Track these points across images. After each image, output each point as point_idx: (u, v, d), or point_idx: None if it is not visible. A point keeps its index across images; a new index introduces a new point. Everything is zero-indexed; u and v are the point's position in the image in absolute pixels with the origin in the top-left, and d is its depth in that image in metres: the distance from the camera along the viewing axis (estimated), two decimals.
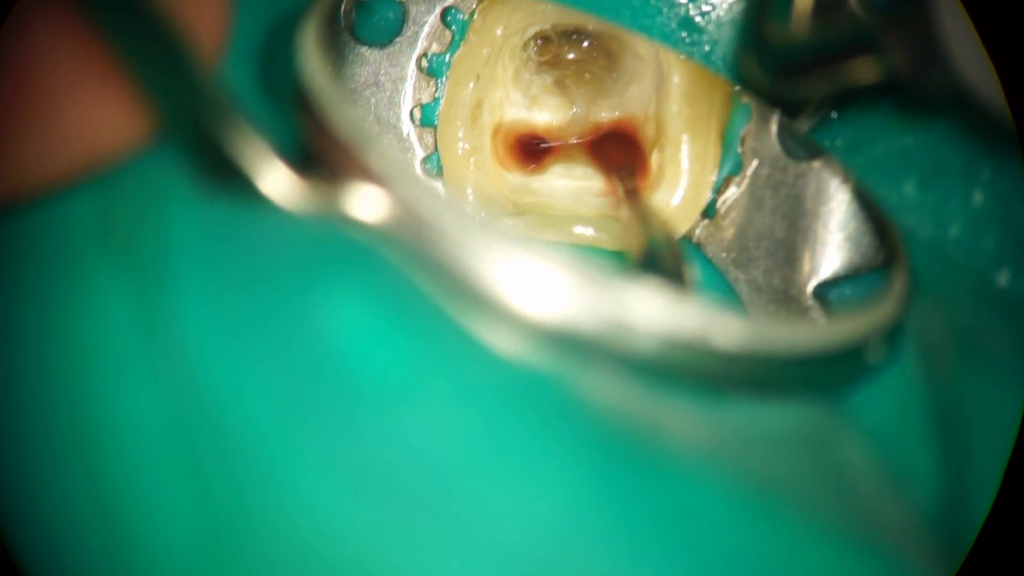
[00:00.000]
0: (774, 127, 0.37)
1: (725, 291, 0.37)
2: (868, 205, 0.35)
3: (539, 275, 0.26)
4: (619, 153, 0.38)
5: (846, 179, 0.35)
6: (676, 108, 0.38)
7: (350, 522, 0.25)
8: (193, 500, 0.25)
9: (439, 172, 0.38)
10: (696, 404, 0.27)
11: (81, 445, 0.27)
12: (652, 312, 0.26)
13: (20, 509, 0.28)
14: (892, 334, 0.29)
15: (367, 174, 0.27)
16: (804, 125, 0.36)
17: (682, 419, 0.27)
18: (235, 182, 0.27)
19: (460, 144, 0.38)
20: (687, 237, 0.38)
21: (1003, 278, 0.34)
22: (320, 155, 0.28)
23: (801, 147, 0.36)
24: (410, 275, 0.26)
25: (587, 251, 0.38)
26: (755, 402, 0.27)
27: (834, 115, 0.36)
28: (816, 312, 0.36)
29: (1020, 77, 0.30)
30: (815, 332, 0.27)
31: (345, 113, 0.28)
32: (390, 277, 0.26)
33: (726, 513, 0.26)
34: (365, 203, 0.27)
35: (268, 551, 0.25)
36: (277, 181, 0.27)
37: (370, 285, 0.26)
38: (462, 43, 0.38)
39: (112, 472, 0.26)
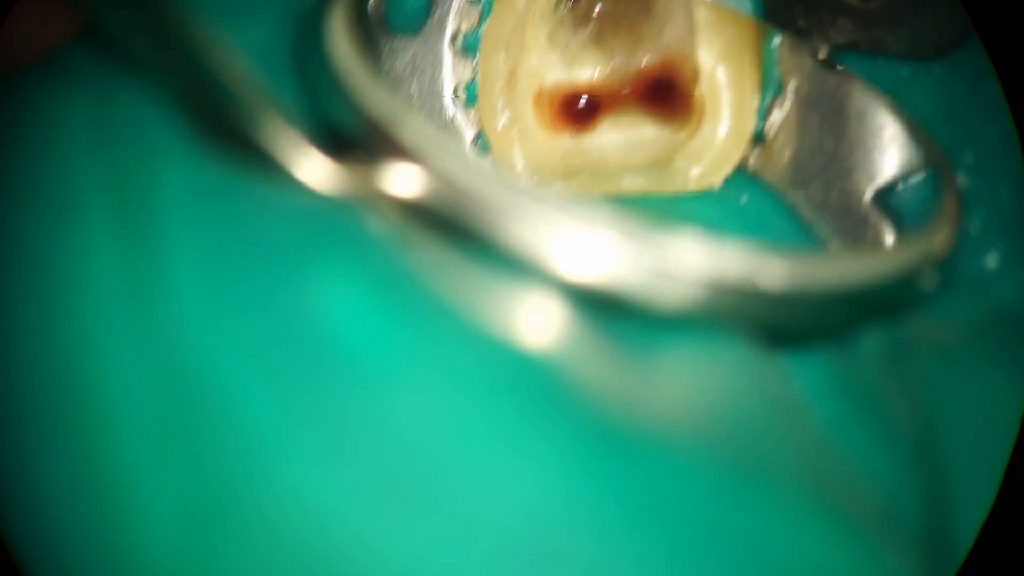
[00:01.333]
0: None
1: (786, 215, 0.37)
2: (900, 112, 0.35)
3: (580, 235, 0.26)
4: (665, 96, 0.39)
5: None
6: (705, 40, 0.38)
7: (337, 502, 0.25)
8: (179, 475, 0.26)
9: (487, 148, 0.39)
10: (687, 387, 0.27)
11: (64, 417, 0.27)
12: (695, 259, 0.26)
13: None
14: (946, 260, 0.29)
15: (402, 151, 0.27)
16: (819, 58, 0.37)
17: (672, 400, 0.27)
18: (265, 167, 0.27)
19: (501, 117, 0.39)
20: (742, 167, 0.38)
21: (991, 261, 0.34)
22: (353, 137, 0.28)
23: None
24: (403, 256, 0.27)
25: (638, 201, 0.38)
26: (742, 376, 0.28)
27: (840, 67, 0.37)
28: (879, 220, 0.36)
29: (1020, 73, 0.30)
30: (866, 264, 0.28)
31: (375, 92, 0.28)
32: (383, 258, 0.27)
33: (717, 493, 0.26)
34: (401, 180, 0.27)
35: (254, 528, 0.25)
36: (312, 166, 0.27)
37: (362, 265, 0.27)
38: (489, 16, 0.39)
39: (96, 445, 0.27)
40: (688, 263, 0.26)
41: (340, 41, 0.29)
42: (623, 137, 0.39)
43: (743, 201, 0.38)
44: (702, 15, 0.38)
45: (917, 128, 0.34)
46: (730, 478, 0.26)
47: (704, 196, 0.38)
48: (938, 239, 0.29)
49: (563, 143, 0.39)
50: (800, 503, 0.27)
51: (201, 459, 0.26)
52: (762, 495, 0.26)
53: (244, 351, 0.26)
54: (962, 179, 0.35)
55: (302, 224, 0.27)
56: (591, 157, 0.39)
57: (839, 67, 0.36)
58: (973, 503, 0.29)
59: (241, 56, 0.27)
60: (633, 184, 0.39)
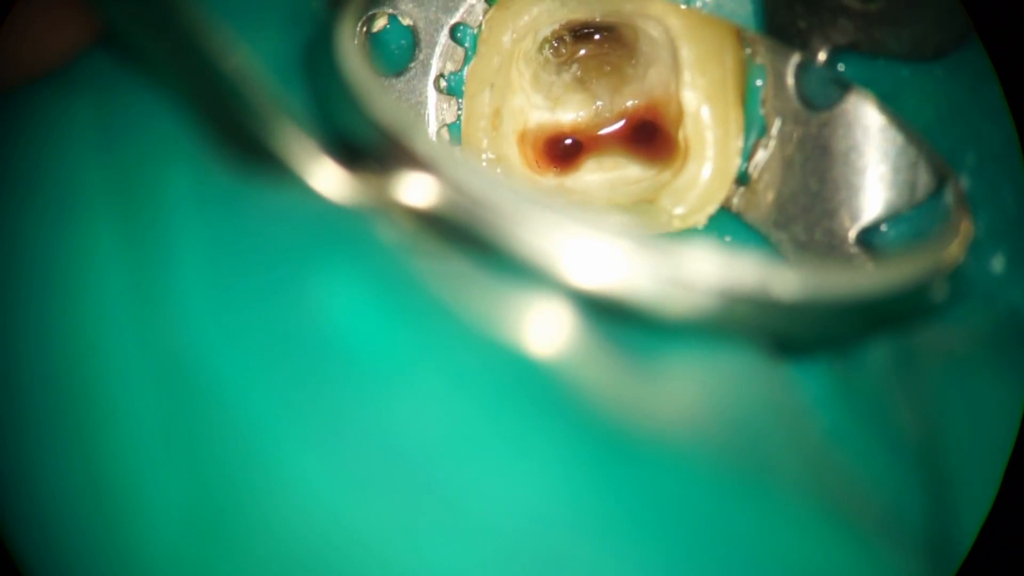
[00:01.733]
0: (791, 81, 0.38)
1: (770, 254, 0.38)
2: (898, 138, 0.35)
3: (595, 243, 0.27)
4: (648, 137, 0.39)
5: (871, 117, 0.36)
6: (690, 80, 0.39)
7: (338, 503, 0.25)
8: (180, 473, 0.26)
9: None
10: (692, 393, 0.28)
11: (66, 416, 0.27)
12: (708, 268, 0.27)
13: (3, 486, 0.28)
14: (955, 272, 0.30)
15: (415, 161, 0.28)
16: (820, 57, 0.37)
17: (677, 405, 0.27)
18: (277, 173, 0.27)
19: (484, 155, 0.39)
20: (725, 207, 0.39)
21: (997, 264, 0.35)
22: (365, 146, 0.28)
23: (821, 92, 0.37)
24: (411, 261, 0.27)
25: None
26: (742, 380, 0.28)
27: (841, 67, 0.37)
28: (863, 260, 0.36)
29: (1020, 73, 0.30)
30: (876, 276, 0.28)
31: (388, 103, 0.28)
32: (386, 260, 0.27)
33: (720, 497, 0.26)
34: (414, 189, 0.27)
35: (255, 526, 0.25)
36: (323, 174, 0.27)
37: (367, 267, 0.27)
38: (474, 56, 0.39)
39: (98, 445, 0.27)
40: (701, 272, 0.26)
41: (353, 52, 0.30)
42: (606, 177, 0.39)
43: (727, 241, 0.38)
44: (687, 54, 0.39)
45: (920, 142, 0.35)
46: (733, 482, 0.26)
47: (687, 234, 0.38)
48: (949, 251, 0.30)
49: (546, 183, 0.39)
50: (802, 506, 0.27)
51: (202, 458, 0.26)
52: (765, 499, 0.26)
53: (246, 350, 0.26)
54: (965, 181, 0.35)
55: (307, 226, 0.27)
56: (575, 197, 0.39)
57: (840, 67, 0.37)
58: (975, 506, 0.29)
59: (255, 65, 0.28)
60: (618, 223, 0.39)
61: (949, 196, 0.33)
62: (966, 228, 0.31)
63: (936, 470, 0.29)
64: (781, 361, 0.29)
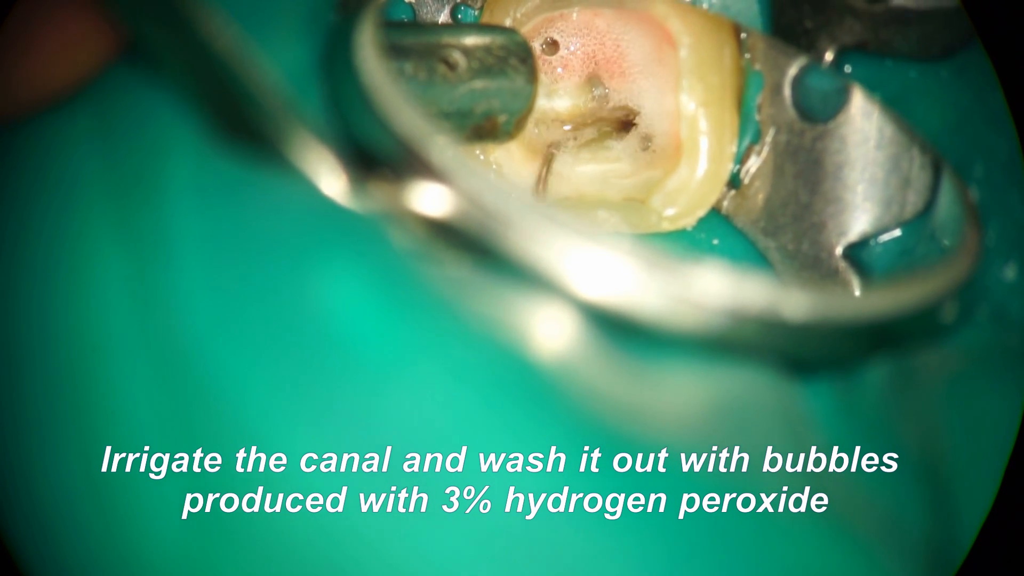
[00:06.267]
0: (787, 92, 0.38)
1: (757, 260, 0.38)
2: (892, 155, 0.36)
3: (605, 258, 0.27)
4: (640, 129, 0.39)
5: (866, 134, 0.36)
6: (687, 84, 0.39)
7: (334, 491, 0.25)
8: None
9: None
10: (685, 399, 0.28)
11: (69, 412, 0.27)
12: (718, 288, 0.27)
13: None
14: (965, 292, 0.30)
15: (429, 171, 0.28)
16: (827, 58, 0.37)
17: (674, 410, 0.28)
18: (285, 173, 0.27)
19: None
20: (715, 209, 0.39)
21: (1008, 274, 0.35)
22: (380, 154, 0.28)
23: (818, 104, 0.37)
24: (411, 260, 0.27)
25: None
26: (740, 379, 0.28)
27: (848, 68, 0.37)
28: (848, 274, 0.36)
29: (1020, 74, 0.30)
30: (886, 299, 0.28)
31: (404, 111, 0.28)
32: (391, 259, 0.27)
33: (719, 500, 0.26)
34: (427, 198, 0.27)
35: (254, 519, 0.26)
36: (332, 179, 0.27)
37: (368, 264, 0.27)
38: None
39: (100, 442, 0.27)
40: (710, 291, 0.27)
41: (371, 58, 0.29)
42: (600, 169, 0.39)
43: (715, 243, 0.38)
44: (685, 56, 0.38)
45: (932, 150, 0.35)
46: (733, 487, 0.27)
47: (676, 235, 0.39)
48: (958, 272, 0.30)
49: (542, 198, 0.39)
50: (802, 512, 0.27)
51: (202, 448, 0.26)
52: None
53: (246, 340, 0.26)
54: (973, 192, 0.35)
55: (311, 221, 0.27)
56: (569, 187, 0.39)
57: (847, 68, 0.37)
58: (973, 515, 0.29)
59: (271, 71, 0.27)
60: (608, 220, 0.39)
61: (956, 211, 0.33)
62: (977, 244, 0.31)
63: (936, 481, 0.30)
64: (786, 377, 0.30)
